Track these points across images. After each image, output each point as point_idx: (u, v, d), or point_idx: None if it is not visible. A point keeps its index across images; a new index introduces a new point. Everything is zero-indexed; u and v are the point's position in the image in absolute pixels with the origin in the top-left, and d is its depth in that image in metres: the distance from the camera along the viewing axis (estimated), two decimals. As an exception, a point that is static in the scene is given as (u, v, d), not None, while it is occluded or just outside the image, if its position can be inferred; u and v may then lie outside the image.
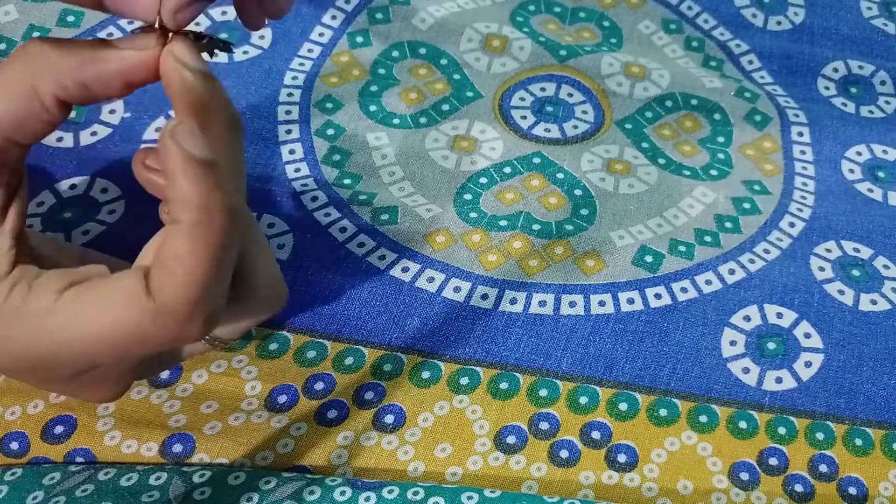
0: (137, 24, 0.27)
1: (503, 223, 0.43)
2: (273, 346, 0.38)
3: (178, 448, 0.34)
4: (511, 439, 0.36)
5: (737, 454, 0.37)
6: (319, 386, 0.37)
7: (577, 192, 0.45)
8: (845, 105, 0.53)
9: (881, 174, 0.49)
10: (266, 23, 0.30)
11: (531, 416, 0.37)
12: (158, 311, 0.23)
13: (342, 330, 0.39)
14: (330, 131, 0.46)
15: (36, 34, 0.46)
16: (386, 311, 0.39)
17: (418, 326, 0.39)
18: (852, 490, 0.37)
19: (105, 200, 0.41)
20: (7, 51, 0.45)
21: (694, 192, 0.47)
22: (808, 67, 0.55)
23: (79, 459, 0.34)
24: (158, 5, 0.25)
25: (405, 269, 0.41)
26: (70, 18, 0.47)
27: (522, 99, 0.49)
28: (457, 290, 0.41)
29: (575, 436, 0.37)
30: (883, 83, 0.54)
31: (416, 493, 0.33)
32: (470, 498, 0.33)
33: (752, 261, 0.44)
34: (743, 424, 0.38)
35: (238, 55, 0.48)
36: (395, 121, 0.47)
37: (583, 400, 0.38)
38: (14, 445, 0.34)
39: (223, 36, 0.28)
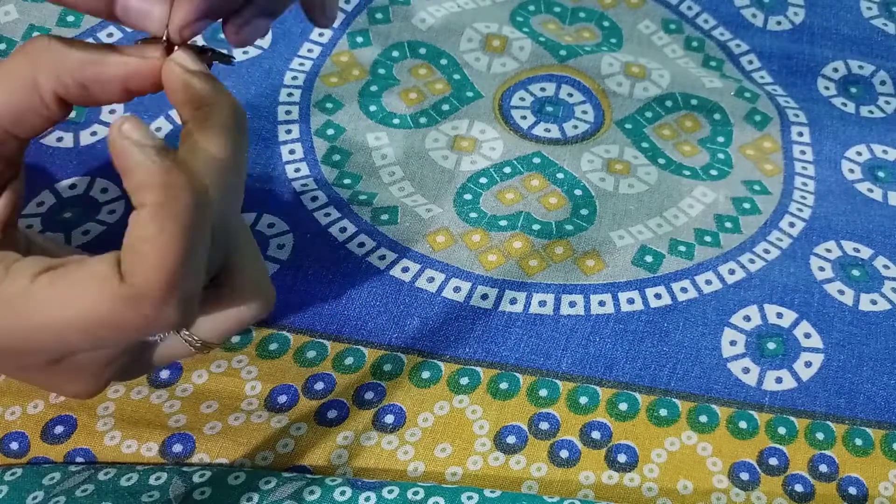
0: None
1: (503, 223, 0.43)
2: (273, 346, 0.38)
3: (178, 448, 0.34)
4: (511, 439, 0.36)
5: (737, 454, 0.37)
6: (319, 386, 0.37)
7: (577, 192, 0.45)
8: (845, 105, 0.53)
9: (881, 174, 0.49)
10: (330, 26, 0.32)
11: (531, 416, 0.37)
12: (133, 295, 0.23)
13: (342, 330, 0.39)
14: (330, 131, 0.46)
15: (36, 34, 0.46)
16: (386, 311, 0.39)
17: (418, 326, 0.39)
18: (852, 490, 0.37)
19: (105, 200, 0.41)
20: (7, 51, 0.45)
21: (694, 192, 0.47)
22: (808, 67, 0.55)
23: (79, 459, 0.34)
24: (167, 21, 0.26)
25: (405, 269, 0.41)
26: (70, 18, 0.47)
27: (522, 99, 0.49)
28: (457, 290, 0.41)
29: (575, 436, 0.37)
30: (883, 83, 0.54)
31: (416, 493, 0.33)
32: (470, 498, 0.33)
33: (752, 261, 0.44)
34: (743, 424, 0.38)
35: (238, 55, 0.48)
36: (395, 121, 0.47)
37: (583, 400, 0.38)
38: (14, 445, 0.34)
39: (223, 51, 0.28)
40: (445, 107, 0.48)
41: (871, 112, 0.53)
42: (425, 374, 0.38)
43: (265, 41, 0.49)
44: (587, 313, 0.41)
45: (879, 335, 0.42)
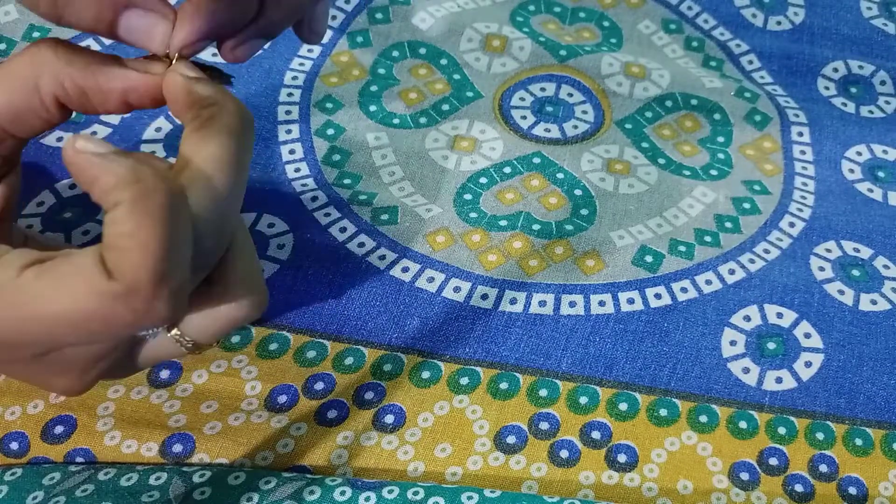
0: None
1: (503, 223, 0.43)
2: (273, 346, 0.38)
3: (178, 448, 0.34)
4: (511, 439, 0.36)
5: (737, 454, 0.37)
6: (319, 386, 0.37)
7: (577, 192, 0.45)
8: (845, 105, 0.53)
9: (881, 174, 0.49)
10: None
11: (531, 416, 0.37)
12: (122, 291, 0.23)
13: (342, 330, 0.39)
14: (330, 131, 0.46)
15: (36, 34, 0.46)
16: (386, 311, 0.39)
17: (418, 326, 0.39)
18: (852, 490, 0.37)
19: (105, 200, 0.41)
20: (7, 51, 0.45)
21: (694, 192, 0.47)
22: (808, 67, 0.55)
23: (79, 459, 0.34)
24: (168, 40, 0.27)
25: (405, 269, 0.41)
26: (70, 18, 0.47)
27: (522, 99, 0.49)
28: (457, 290, 0.41)
29: (575, 436, 0.37)
30: (883, 83, 0.54)
31: (416, 493, 0.33)
32: (470, 498, 0.33)
33: (752, 261, 0.44)
34: (743, 424, 0.38)
35: (238, 55, 0.48)
36: (395, 121, 0.47)
37: (583, 400, 0.38)
38: (14, 445, 0.34)
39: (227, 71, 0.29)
40: (445, 107, 0.48)
41: (871, 112, 0.53)
42: (425, 374, 0.38)
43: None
44: (587, 313, 0.41)
45: (879, 335, 0.42)
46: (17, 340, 0.25)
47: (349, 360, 0.38)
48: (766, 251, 0.44)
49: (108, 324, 0.24)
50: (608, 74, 0.51)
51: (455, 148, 0.47)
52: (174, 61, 0.27)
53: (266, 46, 0.48)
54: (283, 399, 0.36)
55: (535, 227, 0.43)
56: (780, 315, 0.42)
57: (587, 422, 0.37)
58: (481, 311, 0.40)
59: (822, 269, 0.44)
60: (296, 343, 0.38)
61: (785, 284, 0.43)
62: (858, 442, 0.38)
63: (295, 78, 0.48)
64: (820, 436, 0.38)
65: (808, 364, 0.40)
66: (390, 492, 0.33)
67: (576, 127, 0.49)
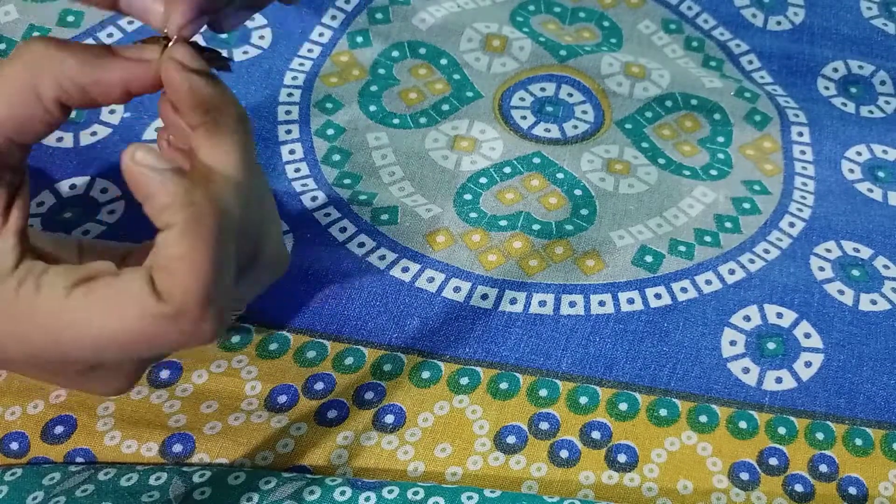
0: (137, 23, 0.27)
1: (503, 223, 0.43)
2: (273, 346, 0.38)
3: (178, 448, 0.34)
4: (511, 439, 0.36)
5: (737, 454, 0.37)
6: (319, 386, 0.37)
7: (577, 192, 0.45)
8: (845, 105, 0.53)
9: (881, 174, 0.49)
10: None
11: (531, 416, 0.37)
12: (172, 313, 0.24)
13: (342, 330, 0.39)
14: (330, 131, 0.46)
15: (36, 34, 0.46)
16: (386, 311, 0.39)
17: (418, 326, 0.39)
18: (852, 490, 0.37)
19: (105, 200, 0.41)
20: (7, 51, 0.45)
21: (694, 192, 0.47)
22: (808, 67, 0.55)
23: (79, 459, 0.34)
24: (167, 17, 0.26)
25: (405, 269, 0.41)
26: (70, 18, 0.47)
27: (522, 99, 0.49)
28: (457, 290, 0.41)
29: (575, 436, 0.37)
30: (883, 83, 0.54)
31: (416, 493, 0.33)
32: (470, 498, 0.33)
33: (752, 261, 0.44)
34: (743, 424, 0.38)
35: (238, 55, 0.48)
36: (395, 121, 0.47)
37: (583, 400, 0.38)
38: (14, 445, 0.34)
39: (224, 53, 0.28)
40: (445, 107, 0.48)
41: (871, 112, 0.53)
42: (425, 374, 0.38)
43: (265, 41, 0.49)
44: (587, 313, 0.41)
45: (879, 335, 0.42)
46: (65, 358, 0.25)
47: (349, 360, 0.38)
48: (766, 251, 0.44)
49: (156, 344, 0.24)
50: (608, 74, 0.51)
51: (455, 148, 0.47)
52: (170, 44, 0.27)
53: (266, 47, 0.48)
54: (283, 399, 0.36)
55: (535, 227, 0.43)
56: (779, 315, 0.42)
57: (587, 422, 0.37)
58: (481, 311, 0.40)
59: (822, 269, 0.44)
60: (296, 343, 0.38)
61: (785, 284, 0.43)
62: (858, 442, 0.38)
63: (295, 78, 0.48)
64: (820, 436, 0.38)
65: (808, 364, 0.40)
66: (390, 492, 0.33)
67: (576, 127, 0.49)
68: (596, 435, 0.37)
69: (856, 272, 0.44)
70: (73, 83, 0.26)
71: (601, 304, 0.41)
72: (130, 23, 0.47)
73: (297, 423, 0.35)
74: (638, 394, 0.38)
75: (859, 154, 0.50)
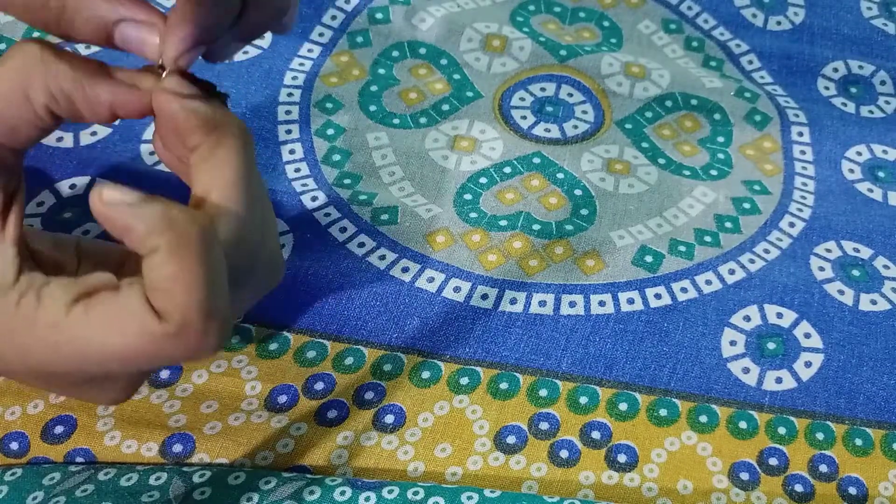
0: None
1: (503, 223, 0.43)
2: (273, 346, 0.38)
3: (178, 448, 0.34)
4: (511, 439, 0.36)
5: (737, 454, 0.37)
6: (319, 386, 0.37)
7: (577, 192, 0.45)
8: (845, 105, 0.53)
9: (881, 174, 0.49)
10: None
11: (531, 416, 0.37)
12: (175, 332, 0.24)
13: (342, 330, 0.39)
14: (330, 131, 0.46)
15: (36, 34, 0.46)
16: (386, 311, 0.39)
17: (418, 326, 0.39)
18: (852, 490, 0.37)
19: (105, 200, 0.41)
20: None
21: (694, 192, 0.47)
22: (808, 67, 0.55)
23: (79, 459, 0.34)
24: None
25: (405, 269, 0.41)
26: (70, 18, 0.47)
27: (522, 99, 0.49)
28: (457, 290, 0.41)
29: (575, 436, 0.37)
30: (883, 83, 0.54)
31: (416, 493, 0.33)
32: (470, 498, 0.33)
33: (752, 261, 0.44)
34: (743, 424, 0.38)
35: (238, 55, 0.48)
36: (395, 121, 0.47)
37: (583, 400, 0.38)
38: (14, 445, 0.34)
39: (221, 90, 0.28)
40: (445, 107, 0.48)
41: (871, 112, 0.53)
42: (425, 374, 0.38)
43: (265, 41, 0.49)
44: (587, 313, 0.41)
45: (879, 335, 0.42)
46: (70, 372, 0.25)
47: (349, 360, 0.38)
48: (766, 251, 0.44)
49: (158, 359, 0.25)
50: (608, 74, 0.51)
51: (455, 148, 0.47)
52: (164, 75, 0.27)
53: (266, 47, 0.48)
54: (283, 399, 0.36)
55: (535, 227, 0.43)
56: (779, 315, 0.42)
57: (587, 422, 0.37)
58: (481, 311, 0.40)
59: (822, 269, 0.44)
60: (296, 343, 0.38)
61: (785, 284, 0.43)
62: (858, 442, 0.38)
63: (295, 78, 0.48)
64: (820, 436, 0.38)
65: (807, 364, 0.40)
66: (390, 492, 0.33)
67: (576, 127, 0.49)
68: (596, 435, 0.37)
69: (856, 272, 0.44)
70: (62, 93, 0.26)
71: (601, 304, 0.41)
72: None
73: (297, 423, 0.35)
74: (638, 394, 0.38)
75: (859, 154, 0.50)
